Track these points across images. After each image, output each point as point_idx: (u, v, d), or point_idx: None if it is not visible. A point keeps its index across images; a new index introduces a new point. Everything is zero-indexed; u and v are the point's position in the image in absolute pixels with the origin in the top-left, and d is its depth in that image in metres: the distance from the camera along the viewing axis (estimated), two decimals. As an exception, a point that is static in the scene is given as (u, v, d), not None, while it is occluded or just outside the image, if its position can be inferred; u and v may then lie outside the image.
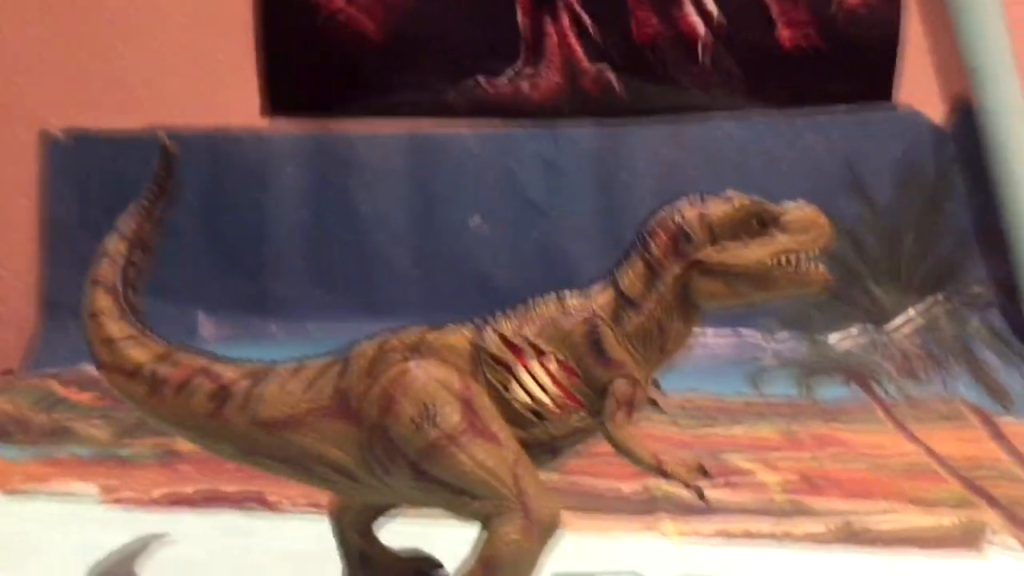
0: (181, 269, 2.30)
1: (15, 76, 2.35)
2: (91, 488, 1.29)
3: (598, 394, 0.82)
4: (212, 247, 2.34)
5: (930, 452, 1.48)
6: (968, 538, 1.13)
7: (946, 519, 1.19)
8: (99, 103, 2.34)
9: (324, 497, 0.97)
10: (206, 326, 2.31)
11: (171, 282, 2.28)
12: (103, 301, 0.88)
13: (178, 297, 2.29)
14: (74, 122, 2.35)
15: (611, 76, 2.18)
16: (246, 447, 0.83)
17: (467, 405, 0.78)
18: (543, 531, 0.77)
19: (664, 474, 0.81)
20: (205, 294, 2.33)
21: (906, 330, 2.06)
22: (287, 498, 1.24)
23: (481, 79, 2.19)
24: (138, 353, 0.85)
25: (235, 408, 0.82)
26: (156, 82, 2.32)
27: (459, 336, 0.82)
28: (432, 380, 0.79)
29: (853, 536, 1.14)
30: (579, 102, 2.20)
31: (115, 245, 0.91)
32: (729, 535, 1.14)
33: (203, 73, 2.31)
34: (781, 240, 0.82)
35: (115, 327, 0.87)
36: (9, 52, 2.34)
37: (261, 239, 2.33)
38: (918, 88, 2.10)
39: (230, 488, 1.28)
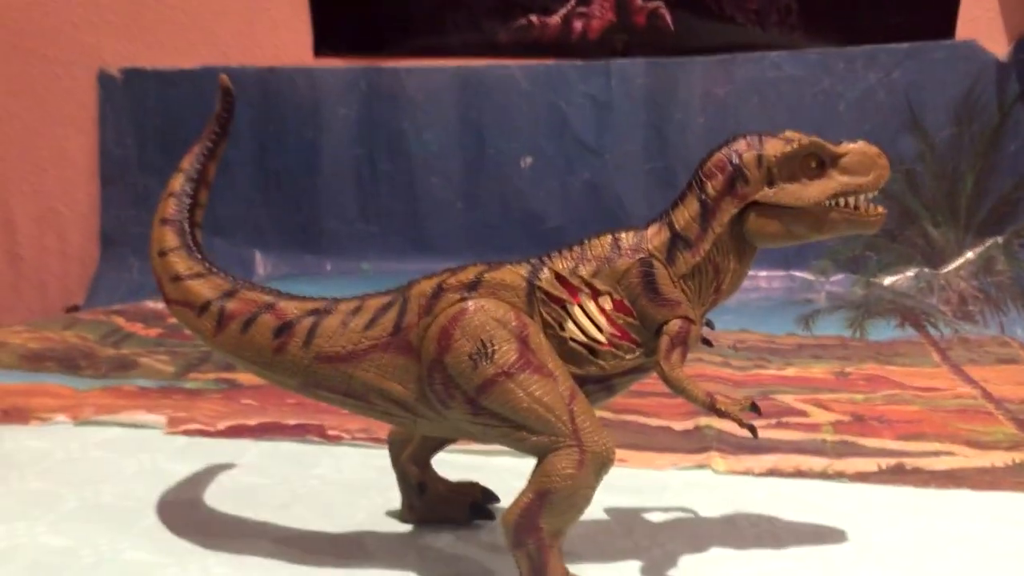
0: (237, 207, 2.34)
1: (72, 17, 2.38)
2: (158, 418, 1.34)
3: (652, 333, 0.83)
4: (266, 185, 2.38)
5: (985, 393, 1.47)
6: (1021, 479, 1.13)
7: (999, 459, 1.19)
8: (154, 42, 2.37)
9: (383, 430, 0.99)
10: (262, 264, 2.35)
11: (228, 220, 2.33)
12: (171, 239, 0.90)
13: (235, 235, 2.34)
14: (130, 61, 2.38)
15: (664, 13, 2.15)
16: (309, 381, 0.85)
17: (523, 342, 0.80)
18: (597, 466, 0.79)
19: (717, 411, 0.81)
20: (260, 232, 2.37)
21: (963, 272, 2.04)
22: (346, 431, 1.28)
23: (533, 18, 2.18)
24: (205, 289, 0.88)
25: (298, 343, 0.84)
26: (209, 21, 2.34)
27: (515, 275, 0.83)
28: (489, 318, 0.80)
29: (905, 475, 1.14)
30: (631, 39, 2.18)
31: (180, 184, 0.93)
32: (780, 473, 1.15)
33: (255, 12, 2.32)
34: (839, 180, 0.82)
35: (183, 264, 0.89)
36: (66, -7, 2.37)
37: (314, 177, 2.36)
38: (980, 22, 2.04)
39: (291, 421, 1.32)
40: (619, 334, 0.82)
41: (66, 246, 2.48)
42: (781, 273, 2.12)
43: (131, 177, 2.42)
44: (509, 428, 0.80)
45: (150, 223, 0.92)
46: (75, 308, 2.26)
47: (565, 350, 0.82)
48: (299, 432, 1.28)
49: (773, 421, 1.33)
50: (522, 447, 0.80)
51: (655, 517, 1.02)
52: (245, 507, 1.04)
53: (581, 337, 0.82)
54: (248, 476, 1.14)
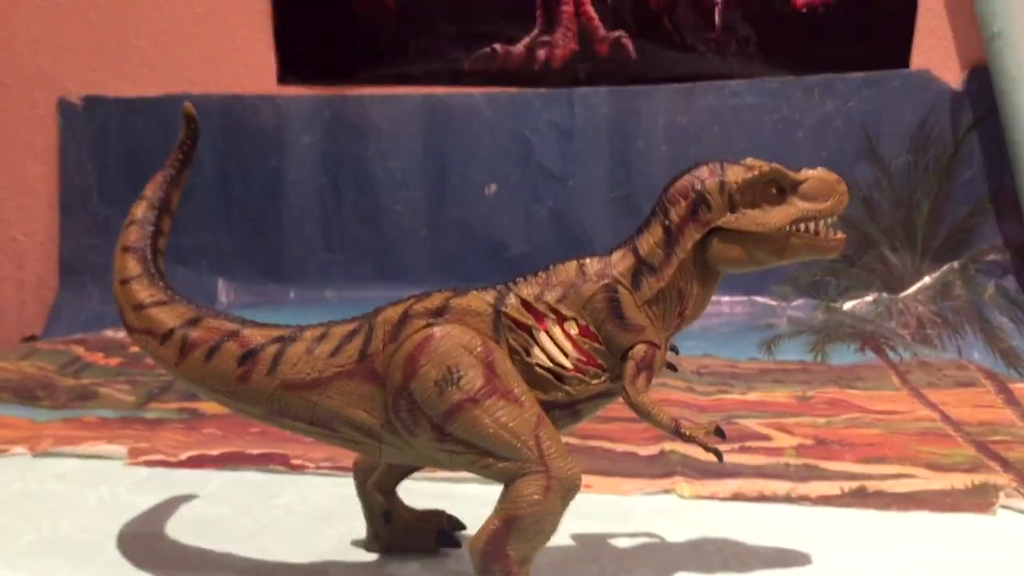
0: (200, 235, 2.32)
1: (32, 44, 2.36)
2: (119, 449, 1.32)
3: (618, 358, 0.83)
4: (229, 213, 2.36)
5: (944, 416, 1.49)
6: (980, 501, 1.15)
7: (959, 482, 1.21)
8: (115, 70, 2.35)
9: (348, 458, 0.99)
10: (225, 292, 2.33)
11: (190, 248, 2.31)
12: (133, 267, 0.89)
13: (198, 263, 2.32)
14: (91, 89, 2.36)
15: (626, 42, 2.17)
16: (274, 409, 0.85)
17: (489, 368, 0.80)
18: (564, 491, 0.79)
19: (682, 436, 0.82)
20: (223, 260, 2.35)
21: (921, 296, 2.07)
22: (310, 460, 1.26)
23: (497, 47, 2.19)
24: (168, 317, 0.87)
25: (263, 371, 0.84)
26: (172, 49, 2.33)
27: (481, 301, 0.83)
28: (455, 344, 0.80)
29: (867, 498, 1.16)
30: (594, 68, 2.20)
31: (143, 212, 0.93)
32: (744, 497, 1.16)
33: (218, 39, 2.32)
34: (800, 206, 0.83)
35: (145, 292, 0.88)
36: (26, 20, 2.35)
37: (277, 205, 2.35)
38: (935, 53, 2.09)
39: (254, 450, 1.31)
40: (585, 359, 0.83)
41: (24, 275, 2.44)
42: (743, 298, 2.14)
43: (92, 206, 2.39)
44: (475, 455, 0.80)
45: (110, 252, 0.91)
46: (32, 338, 2.23)
47: (531, 376, 0.82)
48: (263, 461, 1.27)
49: (737, 446, 1.34)
50: (488, 473, 0.80)
51: (621, 543, 1.02)
52: (208, 539, 1.03)
53: (547, 363, 0.82)
54: (211, 507, 1.13)
